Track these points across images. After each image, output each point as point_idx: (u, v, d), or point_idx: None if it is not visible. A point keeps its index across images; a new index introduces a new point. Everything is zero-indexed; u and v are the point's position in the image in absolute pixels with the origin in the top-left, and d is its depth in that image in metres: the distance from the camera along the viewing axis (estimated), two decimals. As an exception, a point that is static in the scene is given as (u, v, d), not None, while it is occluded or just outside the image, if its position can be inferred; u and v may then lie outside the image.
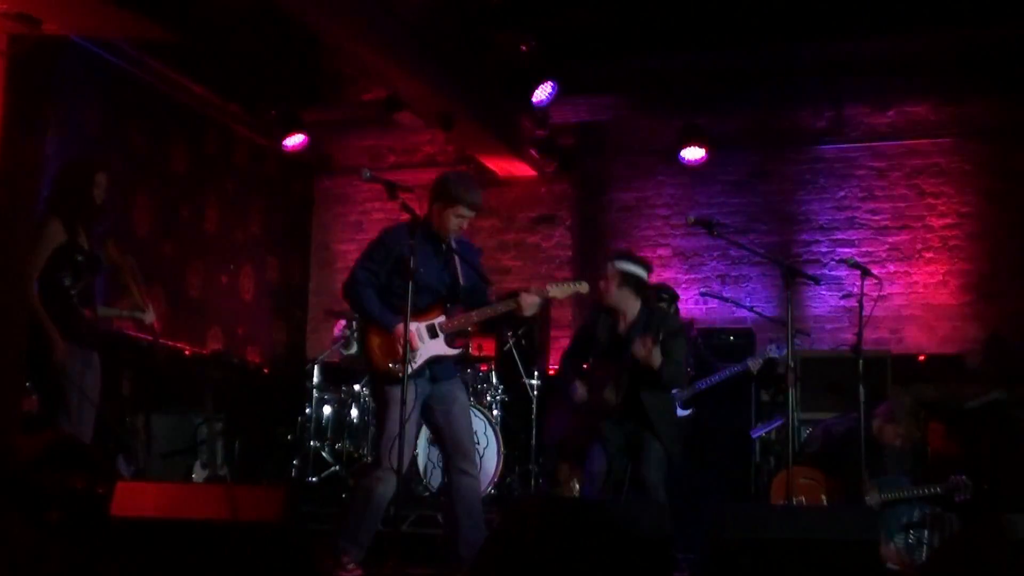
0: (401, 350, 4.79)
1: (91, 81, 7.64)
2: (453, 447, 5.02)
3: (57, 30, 5.99)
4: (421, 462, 7.09)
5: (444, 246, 5.09)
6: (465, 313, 5.08)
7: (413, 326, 4.85)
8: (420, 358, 4.93)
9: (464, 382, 7.44)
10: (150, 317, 5.94)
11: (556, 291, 5.21)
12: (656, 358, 5.46)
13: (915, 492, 6.37)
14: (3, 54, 5.53)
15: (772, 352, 7.01)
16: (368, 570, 5.04)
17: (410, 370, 4.82)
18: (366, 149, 10.20)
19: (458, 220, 5.03)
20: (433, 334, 4.99)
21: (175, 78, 8.28)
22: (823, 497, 6.24)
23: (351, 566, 4.93)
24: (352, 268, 5.06)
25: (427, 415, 5.06)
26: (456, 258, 5.12)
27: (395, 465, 4.76)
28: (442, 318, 5.02)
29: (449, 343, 5.03)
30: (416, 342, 4.91)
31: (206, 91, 8.59)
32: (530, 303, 5.02)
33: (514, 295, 5.12)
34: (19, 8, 5.61)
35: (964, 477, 6.26)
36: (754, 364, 7.03)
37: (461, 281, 5.10)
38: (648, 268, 5.82)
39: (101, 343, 5.62)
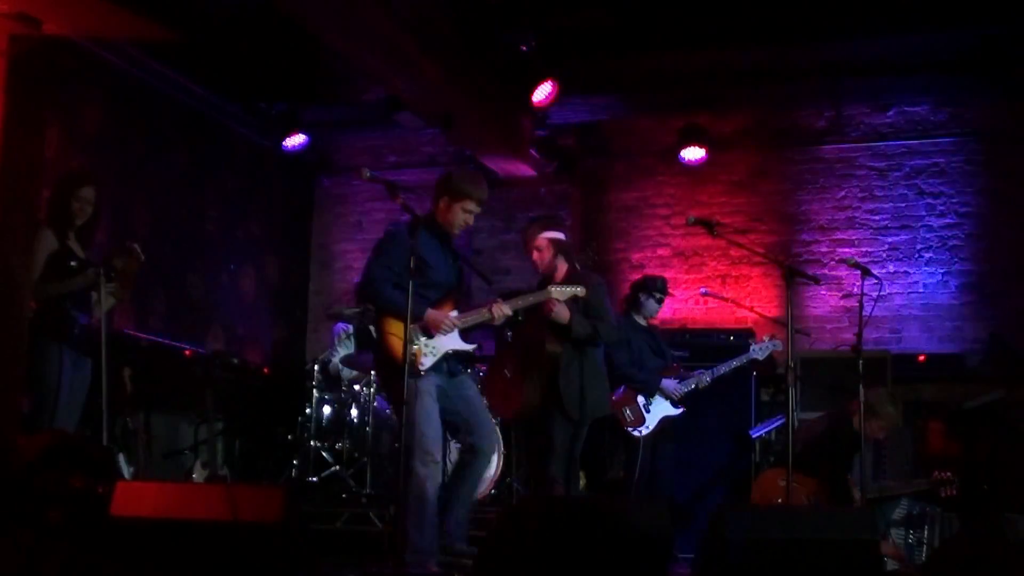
0: (420, 338, 4.85)
1: (91, 81, 7.64)
2: (477, 425, 5.03)
3: (57, 30, 5.98)
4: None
5: (451, 241, 5.15)
6: (477, 309, 5.11)
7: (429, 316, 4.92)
8: (438, 351, 4.95)
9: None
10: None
11: (557, 293, 5.37)
12: (564, 312, 5.48)
13: (900, 490, 6.37)
14: (3, 54, 5.52)
15: (755, 353, 6.98)
16: (368, 569, 5.04)
17: (430, 363, 4.89)
18: (366, 149, 10.19)
19: (465, 215, 5.10)
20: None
21: (175, 78, 8.27)
22: (804, 499, 6.24)
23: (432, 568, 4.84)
24: (367, 268, 5.04)
25: (445, 407, 5.03)
26: (459, 254, 5.22)
27: (437, 456, 4.79)
28: (455, 313, 5.03)
29: (463, 338, 5.06)
30: (435, 335, 4.94)
31: (206, 91, 8.59)
32: (500, 314, 5.09)
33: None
34: (19, 8, 5.60)
35: (949, 473, 6.26)
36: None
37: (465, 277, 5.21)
38: (564, 230, 5.93)
39: (95, 349, 5.58)
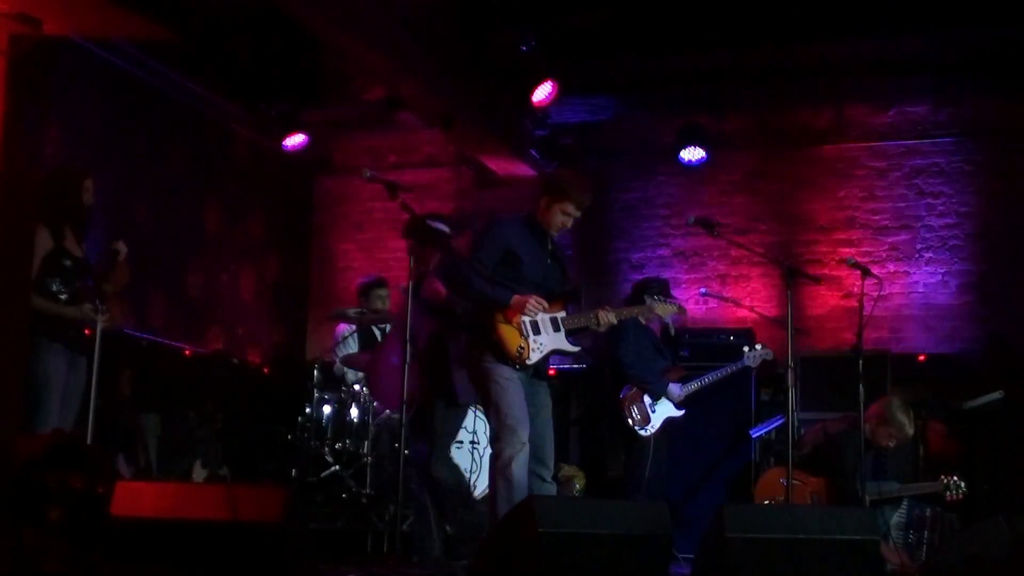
0: (522, 329, 4.83)
1: (91, 81, 7.64)
2: (534, 453, 4.92)
3: (57, 30, 5.99)
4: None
5: (550, 241, 5.09)
6: (584, 313, 5.07)
7: (540, 317, 4.89)
8: (544, 348, 4.92)
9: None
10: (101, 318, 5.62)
11: (660, 309, 5.62)
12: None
13: (905, 492, 6.38)
14: (3, 54, 5.53)
15: (748, 361, 6.99)
16: (367, 569, 5.04)
17: (536, 359, 4.88)
18: (366, 149, 10.19)
19: (563, 217, 5.04)
20: (556, 327, 4.96)
21: (175, 78, 8.28)
22: (809, 498, 6.25)
23: None
24: (455, 258, 5.00)
25: None
26: (560, 255, 5.17)
27: (525, 438, 4.74)
28: (563, 313, 4.99)
29: (569, 340, 5.01)
30: (543, 332, 4.91)
31: (206, 91, 8.59)
32: (605, 321, 5.06)
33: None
34: (19, 8, 5.61)
35: (955, 477, 6.28)
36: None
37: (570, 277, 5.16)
38: (449, 223, 5.85)
39: (89, 348, 5.56)
